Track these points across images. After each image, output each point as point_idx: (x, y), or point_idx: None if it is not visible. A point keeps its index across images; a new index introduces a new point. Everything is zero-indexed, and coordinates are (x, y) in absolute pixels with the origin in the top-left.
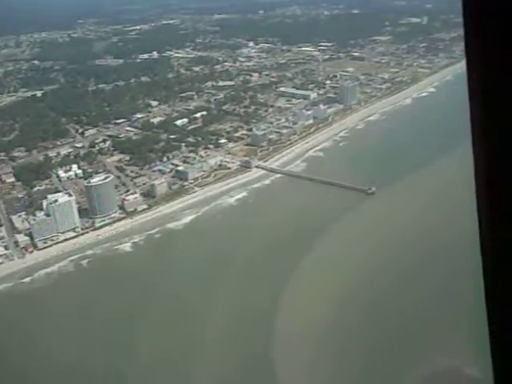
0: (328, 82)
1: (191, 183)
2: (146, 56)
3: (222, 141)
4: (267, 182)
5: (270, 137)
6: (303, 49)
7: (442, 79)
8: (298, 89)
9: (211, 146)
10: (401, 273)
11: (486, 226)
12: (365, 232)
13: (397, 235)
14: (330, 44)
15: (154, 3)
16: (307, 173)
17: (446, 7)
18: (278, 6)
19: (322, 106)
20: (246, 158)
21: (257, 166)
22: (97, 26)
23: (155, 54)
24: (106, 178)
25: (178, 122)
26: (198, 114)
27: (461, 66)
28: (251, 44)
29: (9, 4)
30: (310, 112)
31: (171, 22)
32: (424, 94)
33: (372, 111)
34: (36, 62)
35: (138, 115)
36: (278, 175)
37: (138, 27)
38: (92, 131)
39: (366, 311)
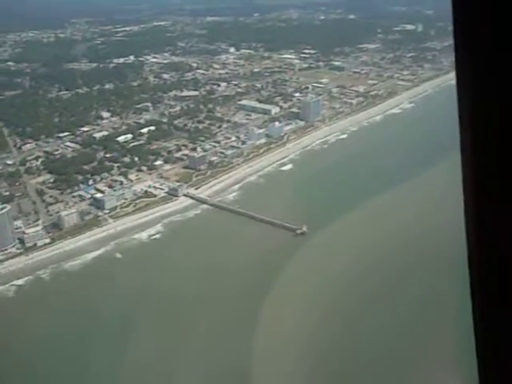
0: (297, 94)
1: (107, 213)
2: (121, 60)
3: (159, 162)
4: (190, 214)
5: (213, 158)
6: (284, 56)
7: (422, 93)
8: (261, 102)
9: (145, 168)
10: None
11: (473, 239)
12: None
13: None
14: (313, 51)
15: (154, 3)
16: (239, 203)
17: (446, 14)
18: (275, 9)
19: (277, 124)
20: (177, 184)
21: (185, 195)
22: (87, 26)
23: (131, 59)
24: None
25: (121, 138)
26: (146, 129)
27: (444, 80)
28: (232, 50)
29: (8, 2)
30: (261, 130)
31: (162, 23)
32: (397, 111)
33: (333, 130)
34: (11, 63)
35: (85, 128)
36: (205, 206)
37: (127, 28)
38: (30, 145)
39: None
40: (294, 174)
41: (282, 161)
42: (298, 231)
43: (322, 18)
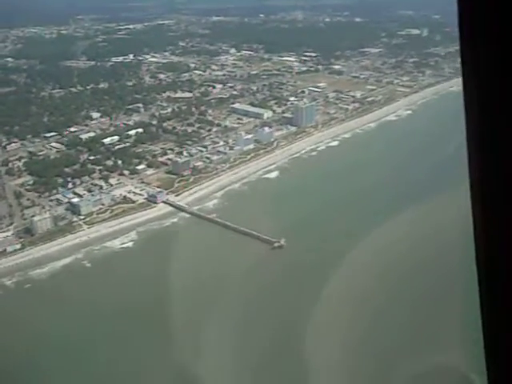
0: (292, 98)
1: (82, 219)
2: (120, 59)
3: (141, 166)
4: (167, 222)
5: (197, 164)
6: (284, 58)
7: (421, 100)
8: (255, 105)
9: (127, 173)
10: None
11: (480, 234)
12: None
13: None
14: (314, 54)
15: (162, 1)
16: (219, 212)
17: (453, 19)
18: (282, 11)
19: (267, 129)
20: (157, 190)
21: (164, 202)
22: (91, 23)
23: (130, 57)
24: None
25: (107, 140)
26: (133, 132)
27: (444, 87)
28: (232, 51)
29: None
30: (250, 136)
31: (166, 22)
32: (393, 118)
33: (326, 136)
34: (10, 59)
35: (72, 129)
36: (184, 214)
37: (130, 26)
38: (15, 145)
39: None
40: (279, 182)
41: (269, 168)
42: (276, 244)
43: (328, 20)
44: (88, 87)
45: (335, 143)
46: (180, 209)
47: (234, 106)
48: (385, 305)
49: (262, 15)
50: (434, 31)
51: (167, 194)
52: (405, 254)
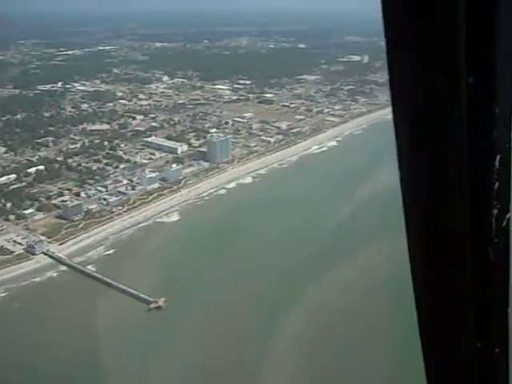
0: (213, 130)
1: None
2: (47, 87)
3: (30, 210)
4: (43, 278)
5: (91, 207)
6: (216, 86)
7: (349, 131)
8: (172, 138)
9: (12, 217)
10: None
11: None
12: None
13: None
14: (248, 82)
15: (111, 26)
16: (102, 265)
17: None
18: (229, 36)
19: (174, 166)
20: (39, 239)
21: (44, 253)
22: (31, 48)
23: (58, 85)
24: None
25: (3, 179)
26: (34, 169)
27: (376, 116)
28: (165, 78)
29: None
30: (154, 174)
31: (108, 48)
32: (316, 151)
33: (240, 173)
34: None
35: None
36: (64, 267)
37: (70, 52)
38: None
39: None
40: (177, 227)
41: (169, 210)
42: (153, 305)
43: (271, 46)
44: (3, 118)
45: (248, 180)
46: (59, 261)
47: (148, 139)
48: None
49: (206, 41)
50: (375, 57)
51: (50, 242)
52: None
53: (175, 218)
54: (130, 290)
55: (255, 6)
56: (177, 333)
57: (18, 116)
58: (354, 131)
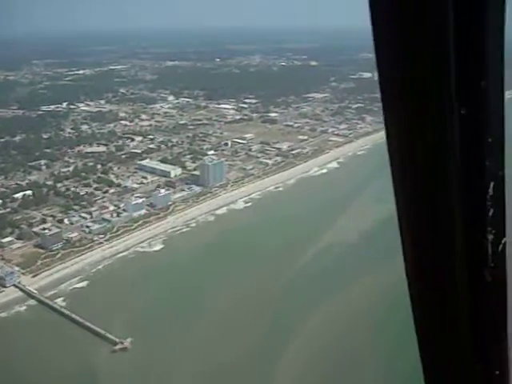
0: (211, 152)
1: None
2: (51, 107)
3: (8, 238)
4: (9, 313)
5: (72, 235)
6: (221, 106)
7: (353, 151)
8: (167, 161)
9: None
10: None
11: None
12: None
13: None
14: (254, 101)
15: (124, 45)
16: (74, 300)
17: None
18: (241, 54)
19: (162, 191)
20: (12, 270)
21: (15, 285)
22: (43, 68)
23: (63, 106)
24: None
25: None
26: (20, 194)
27: (382, 135)
28: (170, 98)
29: None
30: (141, 200)
31: (118, 67)
32: (316, 174)
33: (233, 198)
34: None
35: None
36: (33, 301)
37: (80, 72)
38: None
39: None
40: (159, 258)
41: (153, 239)
42: (118, 346)
43: (283, 64)
44: (1, 140)
45: (240, 206)
46: (29, 294)
47: (141, 162)
48: None
49: (217, 59)
50: None
51: (24, 274)
52: None
53: (158, 247)
54: (97, 329)
55: (269, 23)
56: (135, 378)
57: (17, 138)
58: (357, 152)
